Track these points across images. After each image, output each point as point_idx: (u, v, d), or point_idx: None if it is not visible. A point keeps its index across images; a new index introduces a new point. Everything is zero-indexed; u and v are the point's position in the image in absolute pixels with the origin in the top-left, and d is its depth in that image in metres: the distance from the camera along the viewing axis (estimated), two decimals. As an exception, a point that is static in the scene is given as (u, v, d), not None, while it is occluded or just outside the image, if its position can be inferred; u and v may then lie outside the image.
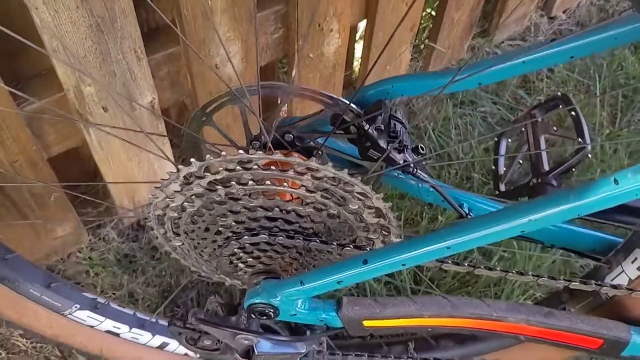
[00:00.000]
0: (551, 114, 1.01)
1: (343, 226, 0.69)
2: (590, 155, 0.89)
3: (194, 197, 0.67)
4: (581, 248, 0.90)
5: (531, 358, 1.02)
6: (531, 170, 0.96)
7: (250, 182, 0.64)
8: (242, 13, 1.02)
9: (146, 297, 1.25)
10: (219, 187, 0.65)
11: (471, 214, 0.86)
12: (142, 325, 1.06)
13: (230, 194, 0.65)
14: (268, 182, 0.63)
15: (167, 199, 0.68)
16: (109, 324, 1.03)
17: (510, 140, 1.06)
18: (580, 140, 0.90)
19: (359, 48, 1.61)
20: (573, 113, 0.93)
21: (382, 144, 0.74)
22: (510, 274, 0.70)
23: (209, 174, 0.64)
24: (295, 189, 0.64)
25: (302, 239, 0.67)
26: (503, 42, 1.72)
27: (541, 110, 1.01)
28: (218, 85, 1.09)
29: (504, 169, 1.04)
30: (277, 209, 0.66)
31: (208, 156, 0.62)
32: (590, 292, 0.85)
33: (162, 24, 1.08)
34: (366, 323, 0.71)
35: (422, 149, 0.81)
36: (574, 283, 0.72)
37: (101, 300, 1.04)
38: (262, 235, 0.67)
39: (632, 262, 0.78)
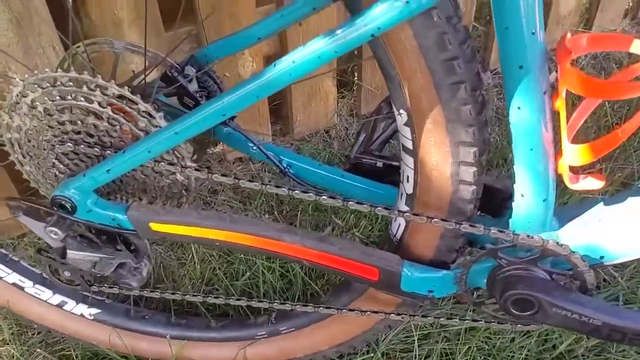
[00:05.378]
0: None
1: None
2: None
3: (24, 115, 0.86)
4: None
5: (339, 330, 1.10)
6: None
7: (58, 97, 0.83)
8: (149, 26, 1.26)
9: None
10: (37, 104, 0.84)
11: (289, 168, 1.01)
12: (44, 282, 1.23)
13: (46, 109, 0.84)
14: (69, 97, 0.82)
15: (8, 120, 0.88)
16: (15, 277, 1.20)
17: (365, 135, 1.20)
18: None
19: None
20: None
21: (192, 91, 0.92)
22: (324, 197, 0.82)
23: (29, 92, 0.84)
24: (90, 104, 0.82)
25: (99, 148, 0.84)
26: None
27: (388, 103, 1.15)
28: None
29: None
30: (79, 123, 0.84)
31: (26, 75, 0.83)
32: (387, 239, 0.95)
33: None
34: (153, 226, 0.85)
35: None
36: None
37: (12, 256, 1.22)
38: (68, 144, 0.85)
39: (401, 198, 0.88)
